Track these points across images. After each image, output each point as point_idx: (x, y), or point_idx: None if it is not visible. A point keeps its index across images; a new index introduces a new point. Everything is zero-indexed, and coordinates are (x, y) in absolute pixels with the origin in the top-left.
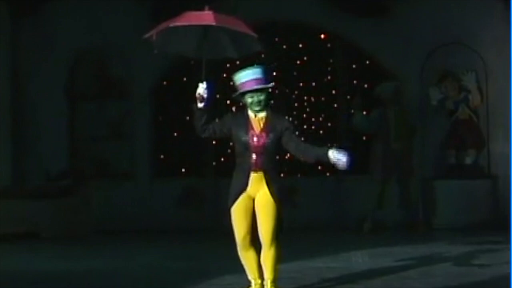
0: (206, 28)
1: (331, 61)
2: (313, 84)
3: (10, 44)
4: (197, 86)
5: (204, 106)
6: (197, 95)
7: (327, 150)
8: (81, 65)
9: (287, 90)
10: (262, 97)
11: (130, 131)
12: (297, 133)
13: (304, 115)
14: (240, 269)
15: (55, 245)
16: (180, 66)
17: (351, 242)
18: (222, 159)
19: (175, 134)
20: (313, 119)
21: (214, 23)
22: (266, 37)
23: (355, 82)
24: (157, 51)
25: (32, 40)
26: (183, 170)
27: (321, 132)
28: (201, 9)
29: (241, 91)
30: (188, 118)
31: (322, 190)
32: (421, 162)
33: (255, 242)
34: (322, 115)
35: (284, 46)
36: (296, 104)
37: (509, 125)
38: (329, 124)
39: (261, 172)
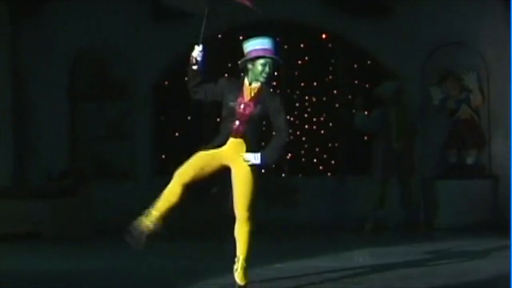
0: None
1: (332, 61)
2: (314, 84)
3: (10, 45)
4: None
5: (198, 68)
6: (191, 57)
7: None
8: (81, 65)
9: (288, 90)
10: (271, 69)
11: (131, 131)
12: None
13: (306, 115)
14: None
15: (55, 245)
16: (181, 65)
17: (352, 242)
18: None
19: (176, 134)
20: (314, 119)
21: None
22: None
23: (356, 82)
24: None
25: (32, 41)
26: None
27: (322, 132)
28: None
29: (255, 55)
30: (189, 118)
31: (323, 189)
32: (422, 162)
33: (185, 191)
34: (324, 115)
35: (285, 46)
36: (297, 104)
37: (509, 125)
38: (330, 124)
39: (240, 138)
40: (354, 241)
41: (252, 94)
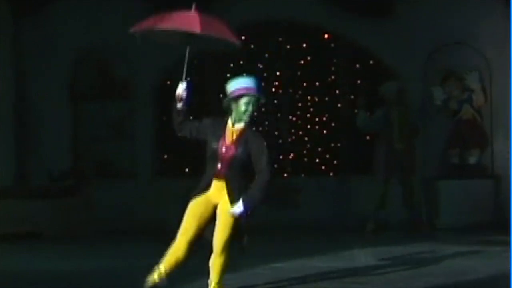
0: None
1: (334, 61)
2: (317, 84)
3: (12, 45)
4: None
5: (182, 106)
6: (176, 94)
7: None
8: (83, 65)
9: (290, 90)
10: (254, 107)
11: (132, 131)
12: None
13: (308, 115)
14: (239, 268)
15: (56, 245)
16: (183, 65)
17: (353, 242)
18: None
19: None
20: (316, 119)
21: (198, 31)
22: (270, 37)
23: (358, 82)
24: (139, 43)
25: (34, 40)
26: (186, 170)
27: (324, 132)
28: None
29: (238, 94)
30: (191, 118)
31: (325, 189)
32: (424, 161)
33: (192, 245)
34: (326, 115)
35: (288, 46)
36: (299, 104)
37: (509, 125)
38: (332, 124)
39: (223, 181)
40: (356, 241)
41: (235, 136)
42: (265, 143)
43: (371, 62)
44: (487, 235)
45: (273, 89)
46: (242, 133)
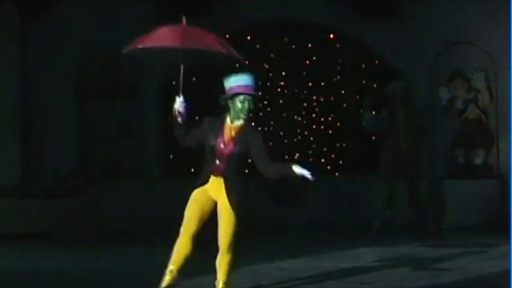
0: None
1: (340, 61)
2: (322, 84)
3: (19, 45)
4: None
5: (182, 120)
6: (174, 110)
7: (291, 164)
8: (90, 65)
9: (295, 90)
10: (251, 105)
11: (139, 131)
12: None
13: (313, 115)
14: (244, 269)
15: (62, 245)
16: (190, 65)
17: (359, 241)
18: None
19: None
20: (322, 119)
21: (179, 45)
22: (275, 37)
23: (364, 82)
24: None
25: (41, 41)
26: (192, 170)
27: (330, 132)
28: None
29: (235, 92)
30: (197, 118)
31: (331, 189)
32: (430, 161)
33: (196, 239)
34: (331, 115)
35: (293, 46)
36: (305, 104)
37: (509, 125)
38: (338, 124)
39: (220, 177)
40: (362, 240)
41: (233, 133)
42: (263, 138)
43: (377, 62)
44: (493, 234)
45: (279, 89)
46: (240, 130)
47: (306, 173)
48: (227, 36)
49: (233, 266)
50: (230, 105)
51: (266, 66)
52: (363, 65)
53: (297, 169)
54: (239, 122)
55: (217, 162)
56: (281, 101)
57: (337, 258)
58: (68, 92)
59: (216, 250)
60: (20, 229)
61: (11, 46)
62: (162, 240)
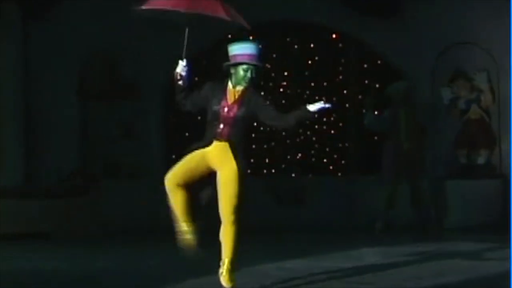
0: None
1: (342, 61)
2: (324, 84)
3: (21, 46)
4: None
5: (183, 83)
6: (175, 73)
7: (306, 106)
8: (92, 65)
9: (298, 90)
10: (253, 74)
11: (141, 131)
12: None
13: (315, 115)
14: (246, 269)
15: (64, 245)
16: (192, 66)
17: (362, 241)
18: None
19: (187, 134)
20: (324, 119)
21: (183, 9)
22: (277, 37)
23: (366, 82)
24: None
25: (43, 41)
26: None
27: (332, 132)
28: None
29: (237, 61)
30: (200, 118)
31: (333, 189)
32: (432, 162)
33: (184, 187)
34: (333, 115)
35: (296, 46)
36: (307, 104)
37: (509, 125)
38: (340, 124)
39: (226, 142)
40: (364, 241)
41: (236, 97)
42: (265, 97)
43: (379, 62)
44: (496, 235)
45: (281, 89)
46: (243, 94)
47: (320, 107)
48: (229, 36)
49: (239, 240)
50: (232, 71)
51: (268, 66)
52: (365, 65)
53: (311, 108)
54: (241, 87)
55: (221, 126)
56: (283, 101)
57: (339, 258)
58: (69, 92)
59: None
60: (21, 229)
61: (13, 47)
62: (163, 240)
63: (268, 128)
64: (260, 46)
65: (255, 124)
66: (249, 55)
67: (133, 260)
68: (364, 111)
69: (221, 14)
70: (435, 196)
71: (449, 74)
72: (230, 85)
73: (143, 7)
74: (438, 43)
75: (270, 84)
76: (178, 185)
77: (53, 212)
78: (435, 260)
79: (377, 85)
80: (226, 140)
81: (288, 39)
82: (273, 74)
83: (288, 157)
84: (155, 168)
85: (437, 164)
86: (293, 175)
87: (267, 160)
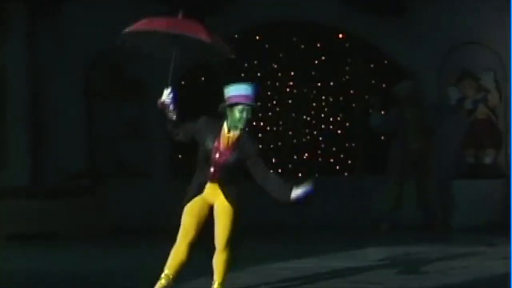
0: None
1: (349, 60)
2: (331, 83)
3: (28, 45)
4: (215, 85)
5: (171, 113)
6: (159, 102)
7: (289, 190)
8: (99, 65)
9: (304, 90)
10: (249, 115)
11: (147, 130)
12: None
13: (322, 115)
14: (252, 268)
15: (71, 245)
16: (197, 66)
17: (368, 241)
18: None
19: None
20: (331, 119)
21: (164, 29)
22: (284, 37)
23: (373, 81)
24: (129, 45)
25: (50, 40)
26: None
27: (339, 131)
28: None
29: (234, 102)
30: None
31: (340, 189)
32: (439, 161)
33: (193, 246)
34: (340, 115)
35: (302, 46)
36: (314, 104)
37: (509, 125)
38: (347, 124)
39: (216, 184)
40: (370, 240)
41: (230, 143)
42: (259, 147)
43: (386, 62)
44: (502, 234)
45: (288, 89)
46: (237, 140)
47: (303, 192)
48: (236, 36)
49: (230, 266)
50: (228, 113)
51: (275, 66)
52: (372, 65)
53: (295, 193)
54: (236, 132)
55: (211, 170)
56: (290, 101)
57: (345, 258)
58: (77, 92)
59: (210, 250)
60: (28, 229)
61: (19, 46)
62: (170, 240)
63: (274, 128)
64: (255, 87)
65: (261, 124)
66: (245, 96)
67: (140, 260)
68: (370, 111)
69: (202, 36)
70: (441, 196)
71: (456, 74)
72: (225, 128)
73: (127, 30)
74: (445, 43)
75: (277, 84)
76: (189, 243)
77: (59, 212)
78: (442, 260)
79: (383, 85)
80: (216, 181)
81: (294, 39)
82: (279, 74)
83: (295, 157)
84: (161, 168)
85: (444, 164)
86: (299, 175)
87: (273, 160)
